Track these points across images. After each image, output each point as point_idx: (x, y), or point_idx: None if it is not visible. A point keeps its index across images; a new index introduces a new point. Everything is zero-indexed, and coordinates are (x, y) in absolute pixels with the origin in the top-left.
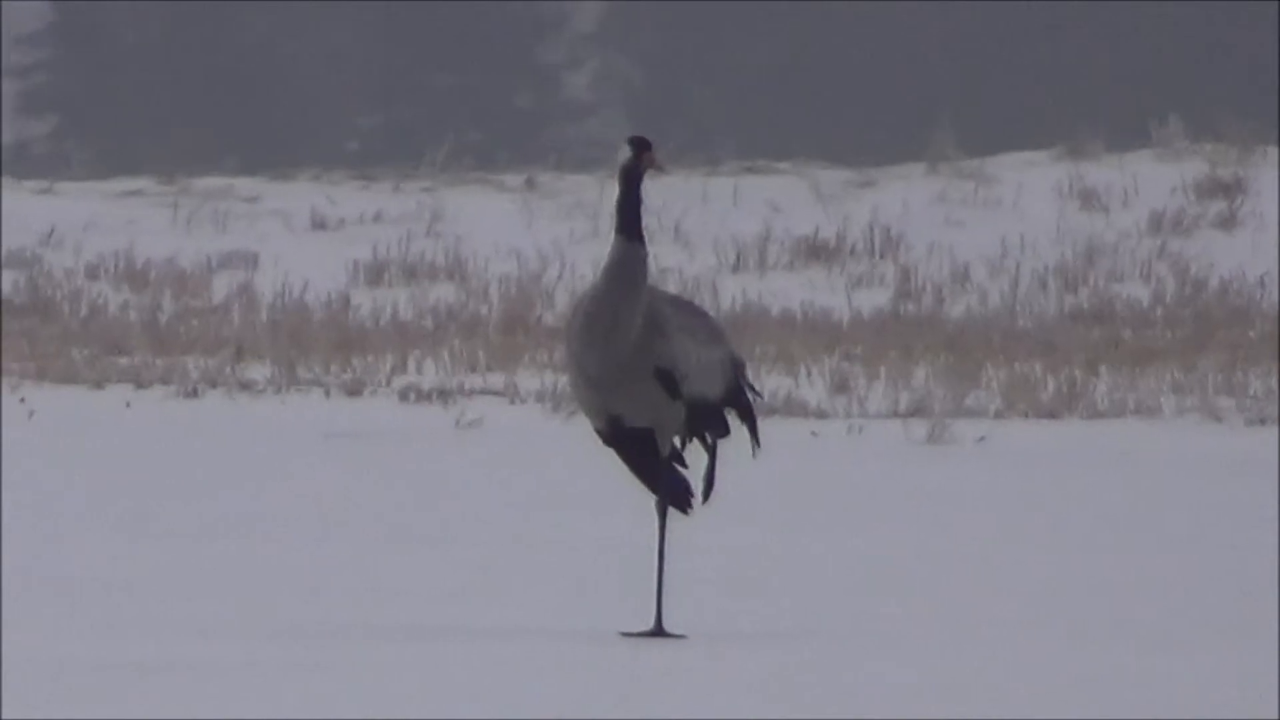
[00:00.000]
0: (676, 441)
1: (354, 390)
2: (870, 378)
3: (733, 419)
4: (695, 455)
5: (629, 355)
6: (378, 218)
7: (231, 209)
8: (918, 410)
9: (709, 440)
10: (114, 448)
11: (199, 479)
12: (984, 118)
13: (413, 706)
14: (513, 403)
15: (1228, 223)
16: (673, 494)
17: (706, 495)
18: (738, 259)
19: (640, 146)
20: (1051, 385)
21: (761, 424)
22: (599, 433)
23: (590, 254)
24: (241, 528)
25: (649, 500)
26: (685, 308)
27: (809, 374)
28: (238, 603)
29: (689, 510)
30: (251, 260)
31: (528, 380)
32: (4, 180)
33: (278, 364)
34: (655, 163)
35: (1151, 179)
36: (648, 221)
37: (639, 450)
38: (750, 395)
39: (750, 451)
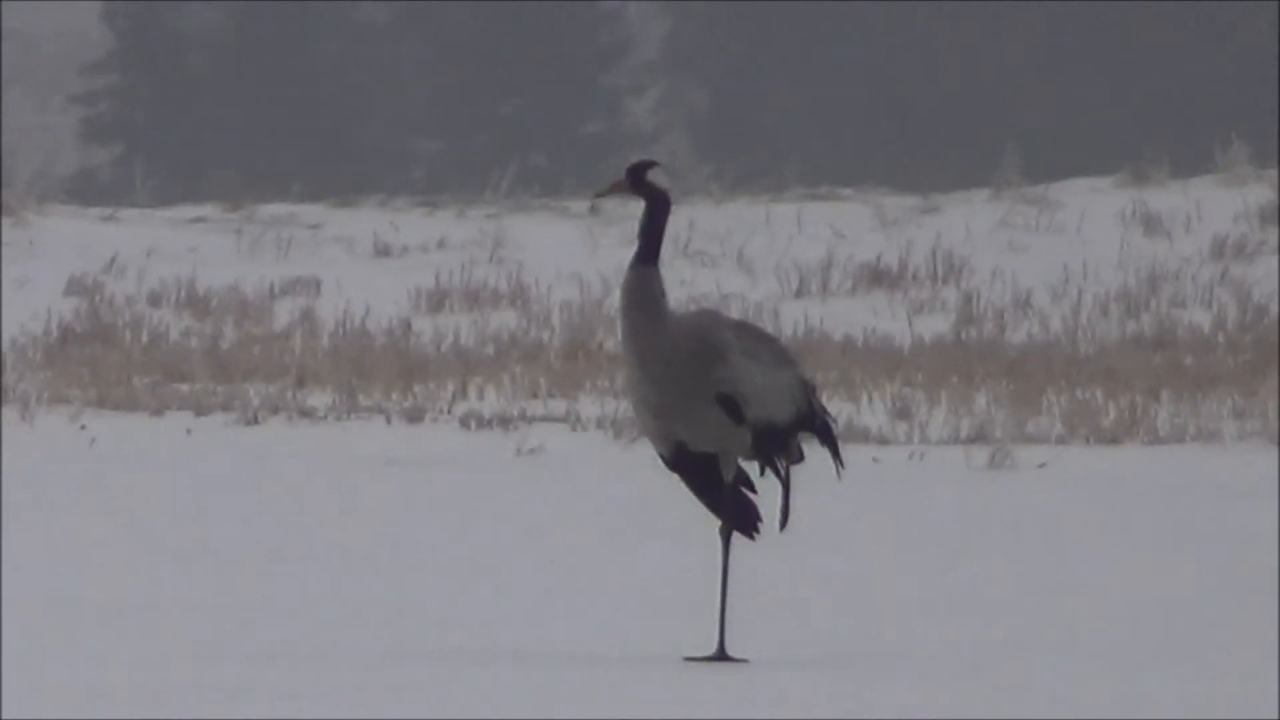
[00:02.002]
0: (745, 466)
1: (415, 417)
2: (932, 404)
3: (813, 444)
4: (770, 483)
5: (684, 380)
6: (441, 244)
7: (294, 236)
8: (979, 436)
9: (782, 469)
10: (174, 475)
11: (259, 506)
12: (1047, 144)
13: None
14: (574, 429)
15: None
16: (739, 518)
17: (783, 524)
18: (800, 284)
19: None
20: (1113, 411)
21: (817, 451)
22: (662, 458)
23: None
24: (302, 555)
25: (712, 526)
26: (750, 332)
27: (870, 400)
28: (299, 629)
29: (755, 535)
30: (314, 287)
31: (589, 407)
32: (68, 207)
33: (339, 391)
34: (612, 189)
35: (1215, 205)
36: (708, 247)
37: (703, 475)
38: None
39: (835, 473)
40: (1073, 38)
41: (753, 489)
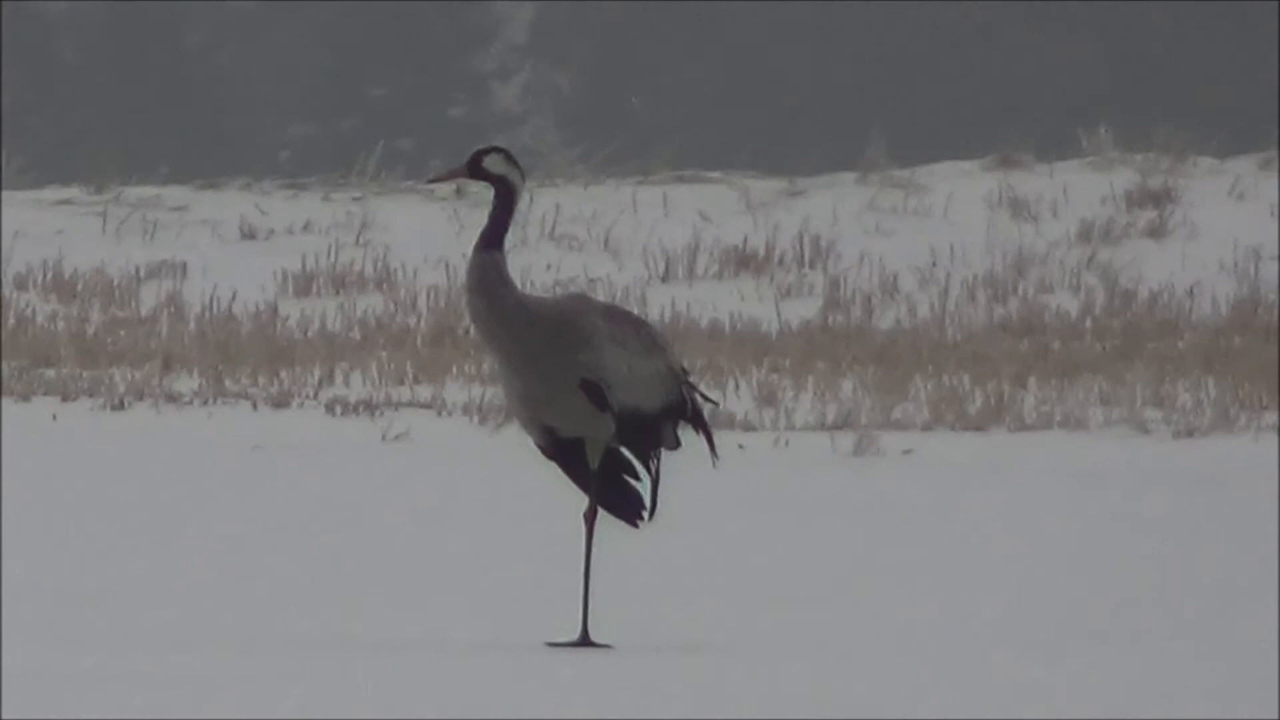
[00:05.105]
0: (630, 455)
1: (281, 403)
2: (798, 389)
3: (688, 432)
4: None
5: (548, 366)
6: (307, 227)
7: (160, 218)
8: (845, 423)
9: (651, 456)
10: (39, 461)
11: (125, 492)
12: (915, 127)
13: (335, 716)
14: (440, 415)
15: (1157, 232)
16: (622, 507)
17: (650, 514)
18: (667, 268)
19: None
20: (979, 397)
21: (689, 436)
22: (537, 446)
23: (518, 264)
24: (167, 541)
25: (578, 511)
26: (620, 317)
27: (736, 386)
28: (161, 614)
29: (639, 524)
30: (180, 270)
31: (455, 393)
32: None
33: (205, 376)
34: (447, 175)
35: (1082, 188)
36: (575, 230)
37: (576, 461)
38: (703, 402)
39: (710, 462)
40: (938, 20)
41: (636, 477)
